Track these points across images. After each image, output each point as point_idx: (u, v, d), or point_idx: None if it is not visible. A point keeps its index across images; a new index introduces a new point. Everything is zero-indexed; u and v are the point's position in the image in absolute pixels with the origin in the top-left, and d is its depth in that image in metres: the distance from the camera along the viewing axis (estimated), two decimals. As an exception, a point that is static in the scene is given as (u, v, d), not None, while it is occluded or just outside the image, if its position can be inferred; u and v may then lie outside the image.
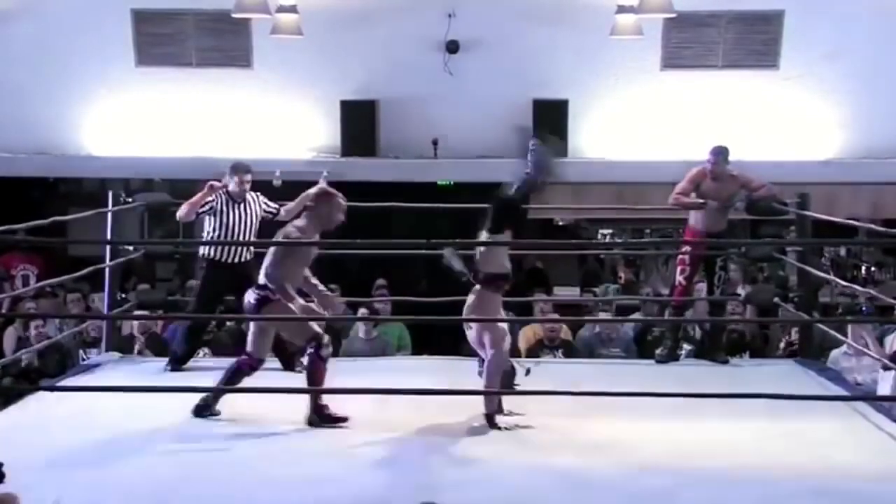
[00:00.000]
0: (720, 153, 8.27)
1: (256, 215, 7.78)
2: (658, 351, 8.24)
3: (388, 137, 12.05)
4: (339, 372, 7.16)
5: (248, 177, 7.75)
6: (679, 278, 8.17)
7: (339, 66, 11.97)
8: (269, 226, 7.74)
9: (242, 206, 7.74)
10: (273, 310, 6.24)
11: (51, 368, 8.68)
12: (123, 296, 9.10)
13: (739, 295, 9.34)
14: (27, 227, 6.90)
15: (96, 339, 8.94)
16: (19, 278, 12.17)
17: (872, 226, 8.29)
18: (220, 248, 7.72)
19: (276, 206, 7.93)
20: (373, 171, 11.84)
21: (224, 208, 7.71)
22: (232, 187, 7.73)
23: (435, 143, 11.93)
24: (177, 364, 7.90)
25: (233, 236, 7.70)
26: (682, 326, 8.55)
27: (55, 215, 8.09)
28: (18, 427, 6.31)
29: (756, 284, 10.86)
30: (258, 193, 7.89)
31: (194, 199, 7.69)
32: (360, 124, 11.91)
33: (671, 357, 8.21)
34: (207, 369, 7.79)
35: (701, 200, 8.08)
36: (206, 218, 7.77)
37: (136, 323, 8.97)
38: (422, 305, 9.07)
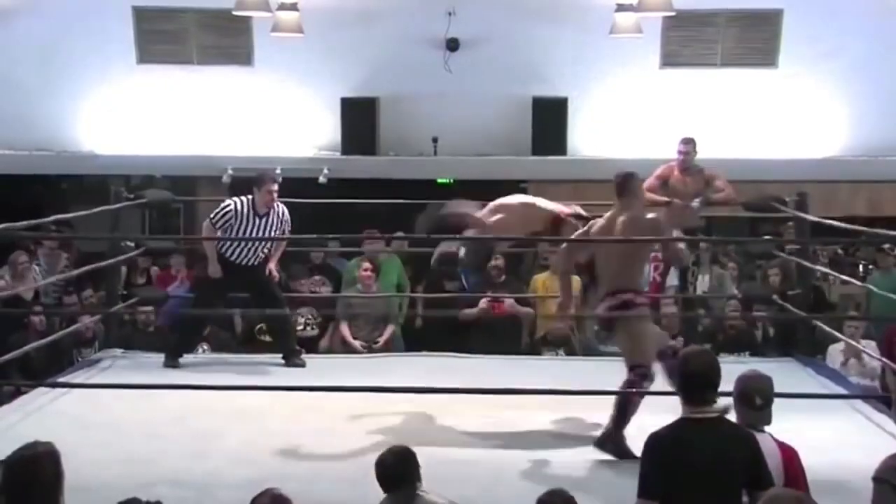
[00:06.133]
0: (692, 142, 8.28)
1: (275, 231, 7.67)
2: None
3: (388, 135, 12.06)
4: (338, 371, 7.20)
5: (275, 186, 7.65)
6: (654, 275, 8.23)
7: (340, 64, 11.98)
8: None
9: (265, 220, 7.65)
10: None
11: (50, 365, 8.66)
12: (125, 293, 9.11)
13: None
14: (27, 226, 6.93)
15: (94, 336, 8.93)
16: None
17: (870, 230, 8.31)
18: (234, 249, 7.68)
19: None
20: (373, 169, 11.85)
21: (247, 217, 7.63)
22: (256, 198, 7.64)
23: (435, 140, 11.94)
24: (170, 359, 7.87)
25: (246, 248, 7.65)
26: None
27: (56, 213, 8.11)
28: (18, 424, 6.34)
29: (752, 280, 10.86)
30: (286, 209, 7.77)
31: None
32: (360, 122, 11.92)
33: None
34: (206, 365, 7.83)
35: (666, 199, 8.07)
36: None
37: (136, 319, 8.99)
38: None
